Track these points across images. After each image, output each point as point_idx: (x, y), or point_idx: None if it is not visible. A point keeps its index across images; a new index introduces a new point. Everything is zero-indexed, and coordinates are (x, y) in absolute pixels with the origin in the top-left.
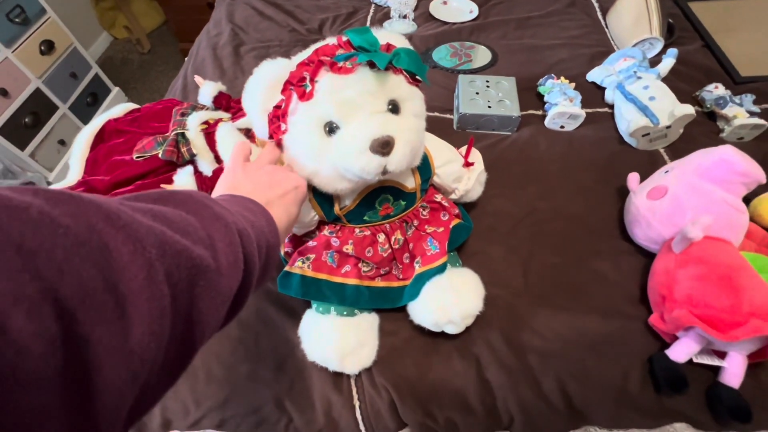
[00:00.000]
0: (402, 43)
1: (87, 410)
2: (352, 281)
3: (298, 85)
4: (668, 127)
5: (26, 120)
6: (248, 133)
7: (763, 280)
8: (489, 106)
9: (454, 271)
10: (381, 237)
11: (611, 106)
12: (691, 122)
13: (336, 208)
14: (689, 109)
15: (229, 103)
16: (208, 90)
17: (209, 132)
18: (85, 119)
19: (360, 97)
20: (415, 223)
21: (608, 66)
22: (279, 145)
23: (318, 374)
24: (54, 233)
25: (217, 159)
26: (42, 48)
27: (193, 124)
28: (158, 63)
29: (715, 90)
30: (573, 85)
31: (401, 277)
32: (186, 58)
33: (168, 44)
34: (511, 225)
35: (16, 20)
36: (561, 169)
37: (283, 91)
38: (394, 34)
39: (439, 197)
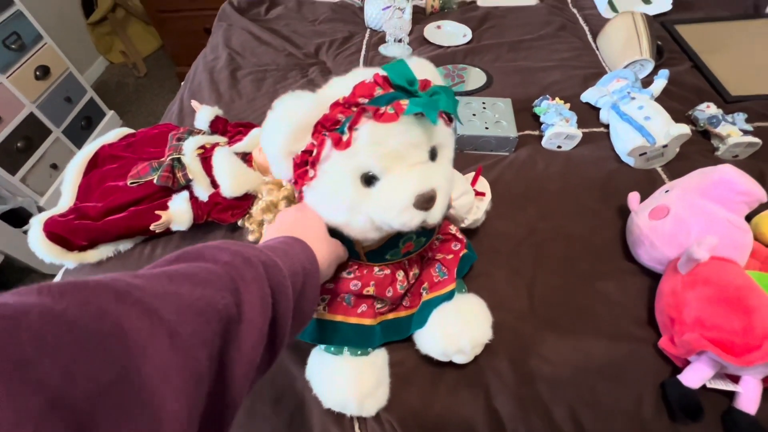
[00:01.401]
0: (436, 78)
1: None
2: (368, 321)
3: (331, 130)
4: (665, 146)
5: (19, 144)
6: (245, 157)
7: None
8: (486, 128)
9: (461, 297)
10: (400, 275)
11: (607, 126)
12: (687, 141)
13: (358, 246)
14: (685, 129)
15: (225, 128)
16: (204, 115)
17: (206, 157)
18: (79, 143)
19: (404, 148)
20: (429, 254)
21: (602, 87)
22: (298, 187)
23: (318, 408)
24: (58, 333)
25: (213, 184)
26: (37, 73)
27: (190, 149)
28: (154, 87)
29: (707, 109)
30: (568, 105)
31: (408, 305)
32: (182, 82)
33: (164, 67)
34: (513, 246)
35: (12, 46)
36: (560, 189)
37: (313, 134)
38: (425, 64)
39: (453, 229)
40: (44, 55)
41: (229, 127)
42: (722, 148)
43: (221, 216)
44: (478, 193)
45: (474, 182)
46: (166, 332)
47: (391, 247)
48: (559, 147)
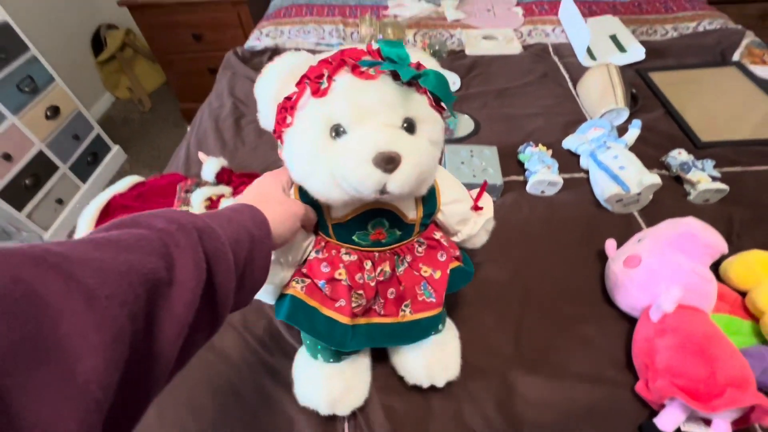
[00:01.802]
0: (434, 67)
1: None
2: (344, 319)
3: (314, 81)
4: (639, 193)
5: (26, 181)
6: None
7: (736, 349)
8: (474, 176)
9: (445, 333)
10: (368, 264)
11: (587, 171)
12: (661, 186)
13: (327, 215)
14: (656, 179)
15: (230, 178)
16: (211, 167)
17: (212, 208)
18: (85, 178)
19: (376, 105)
20: (408, 258)
21: (581, 135)
22: (279, 138)
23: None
24: None
25: None
26: (48, 113)
27: (197, 201)
28: (158, 121)
29: (679, 155)
30: (550, 152)
31: (382, 312)
32: (189, 127)
33: (168, 102)
34: (499, 291)
35: (26, 89)
36: (544, 234)
37: (298, 84)
38: (428, 57)
39: (438, 235)
40: (55, 96)
41: (234, 178)
42: (693, 193)
43: None
44: (477, 208)
45: (478, 198)
46: (82, 294)
47: (359, 227)
48: (542, 192)
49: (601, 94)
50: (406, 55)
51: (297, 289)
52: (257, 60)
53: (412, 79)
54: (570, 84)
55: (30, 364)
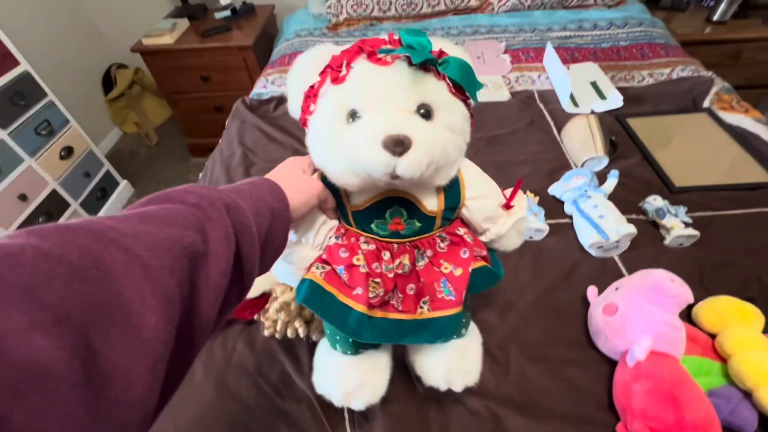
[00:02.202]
0: (460, 55)
1: (111, 400)
2: (360, 308)
3: (335, 69)
4: (617, 241)
5: (40, 220)
6: None
7: (703, 393)
8: None
9: (468, 338)
10: (386, 255)
11: (571, 217)
12: (639, 232)
13: (346, 201)
14: (631, 228)
15: None
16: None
17: None
18: (94, 213)
19: (389, 90)
20: (428, 253)
21: (565, 182)
22: (305, 125)
23: None
24: (50, 266)
25: None
26: (62, 153)
27: None
28: (165, 155)
29: (654, 201)
30: (537, 199)
31: (400, 308)
32: (201, 174)
33: (174, 136)
34: (488, 334)
35: (42, 132)
36: (532, 279)
37: (321, 73)
38: (454, 46)
39: (462, 231)
40: (70, 137)
41: None
42: (668, 238)
43: (242, 315)
44: (508, 207)
45: (512, 197)
46: (139, 265)
47: (377, 215)
48: (530, 237)
49: (582, 142)
50: (427, 42)
51: (316, 275)
52: (264, 108)
53: (428, 64)
54: (555, 131)
55: (107, 322)
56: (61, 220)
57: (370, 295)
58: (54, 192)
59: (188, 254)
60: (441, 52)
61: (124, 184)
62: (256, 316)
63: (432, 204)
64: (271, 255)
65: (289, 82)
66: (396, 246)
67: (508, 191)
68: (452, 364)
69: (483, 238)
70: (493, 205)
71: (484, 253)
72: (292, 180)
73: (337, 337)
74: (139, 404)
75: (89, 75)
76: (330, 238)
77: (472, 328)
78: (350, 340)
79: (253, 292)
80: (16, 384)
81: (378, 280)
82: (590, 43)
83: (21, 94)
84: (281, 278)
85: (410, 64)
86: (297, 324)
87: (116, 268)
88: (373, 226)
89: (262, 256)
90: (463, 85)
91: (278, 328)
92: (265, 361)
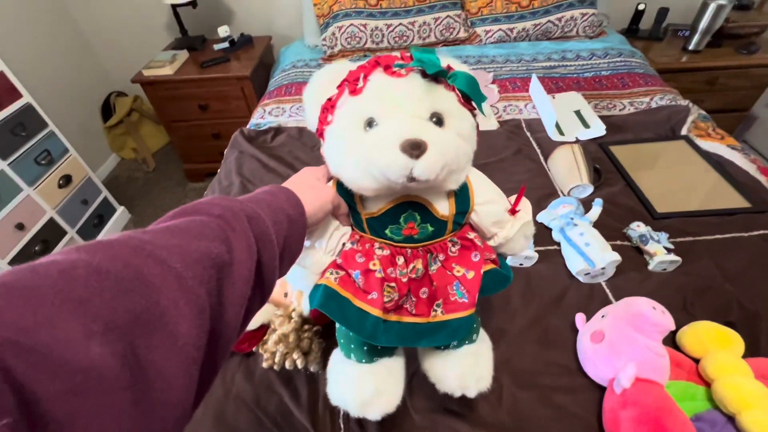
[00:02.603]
0: (465, 70)
1: (154, 401)
2: (375, 312)
3: (352, 82)
4: (603, 268)
5: (36, 248)
6: None
7: (688, 420)
8: None
9: (477, 346)
10: (400, 260)
11: (558, 244)
12: (624, 257)
13: (360, 208)
14: (616, 256)
15: None
16: None
17: None
18: (90, 239)
19: (404, 99)
20: (441, 257)
21: (552, 210)
22: (321, 136)
23: None
24: (99, 279)
25: None
26: (60, 182)
27: None
28: (162, 180)
29: (638, 228)
30: None
31: (414, 312)
32: None
33: (172, 162)
34: None
35: (42, 162)
36: (522, 306)
37: (338, 86)
38: (460, 63)
39: (472, 235)
40: (68, 166)
41: None
42: (652, 263)
43: (240, 347)
44: (514, 211)
45: (516, 203)
46: (174, 276)
47: (391, 220)
48: (521, 264)
49: (567, 171)
50: (436, 58)
51: (330, 280)
52: (262, 139)
53: (439, 76)
54: (542, 158)
55: (148, 329)
56: (58, 248)
57: (385, 299)
58: (51, 220)
59: (215, 265)
60: (449, 67)
61: (121, 210)
62: (254, 348)
63: (444, 208)
64: (288, 260)
65: (306, 96)
66: (409, 251)
67: (513, 198)
68: (466, 370)
69: (491, 242)
70: (501, 210)
71: (494, 256)
72: (308, 187)
73: (352, 346)
74: (177, 404)
75: (89, 104)
76: (343, 243)
77: (483, 333)
78: (365, 347)
79: (252, 324)
80: (78, 387)
81: (393, 284)
82: (573, 72)
83: (22, 125)
84: (295, 284)
85: (424, 75)
86: (295, 355)
87: (155, 279)
88: (387, 231)
89: (280, 262)
90: (471, 96)
91: (277, 359)
92: (263, 393)
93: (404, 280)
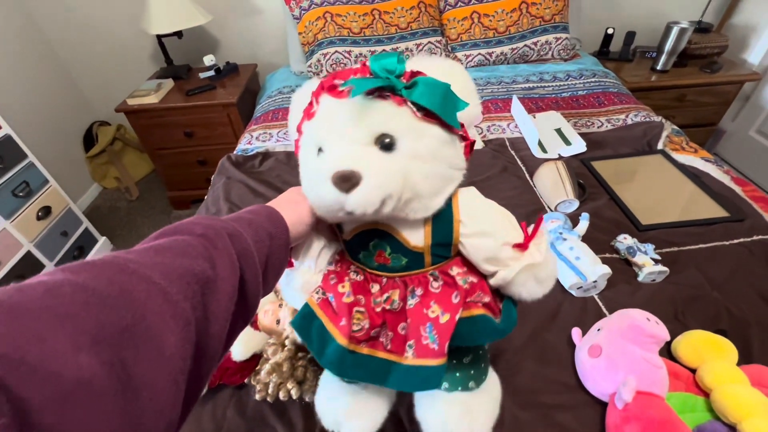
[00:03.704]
0: (444, 71)
1: (142, 409)
2: (341, 340)
3: (308, 105)
4: (595, 281)
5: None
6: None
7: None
8: None
9: (475, 395)
10: (374, 287)
11: None
12: (614, 270)
13: (338, 231)
14: (606, 269)
15: None
16: None
17: None
18: None
19: (343, 123)
20: (419, 292)
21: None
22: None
23: None
24: (84, 296)
25: None
26: (39, 214)
27: None
28: (145, 209)
29: (625, 240)
30: None
31: (389, 347)
32: None
33: (155, 189)
34: None
35: (20, 194)
36: (518, 322)
37: (305, 110)
38: (444, 61)
39: (455, 271)
40: (48, 197)
41: None
42: (641, 275)
43: (232, 379)
44: (521, 246)
45: (532, 236)
46: (158, 291)
47: (361, 246)
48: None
49: (552, 186)
50: (394, 66)
51: (313, 299)
52: (249, 164)
53: (383, 92)
54: (527, 175)
55: (136, 342)
56: None
57: (354, 327)
58: (28, 253)
59: (199, 280)
60: (412, 74)
61: (102, 240)
62: (246, 380)
63: (417, 239)
64: (273, 277)
65: (289, 122)
66: (385, 279)
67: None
68: (452, 420)
69: (491, 281)
70: (496, 245)
71: (487, 299)
72: (288, 203)
73: None
74: (164, 412)
75: (70, 134)
76: (330, 263)
77: (490, 382)
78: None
79: (244, 355)
80: (66, 396)
81: (362, 309)
82: (552, 93)
83: (0, 158)
84: (291, 302)
85: (370, 92)
86: (290, 385)
87: (140, 295)
88: (360, 256)
89: (263, 279)
90: (432, 109)
91: (270, 391)
92: (257, 427)
93: (378, 309)
